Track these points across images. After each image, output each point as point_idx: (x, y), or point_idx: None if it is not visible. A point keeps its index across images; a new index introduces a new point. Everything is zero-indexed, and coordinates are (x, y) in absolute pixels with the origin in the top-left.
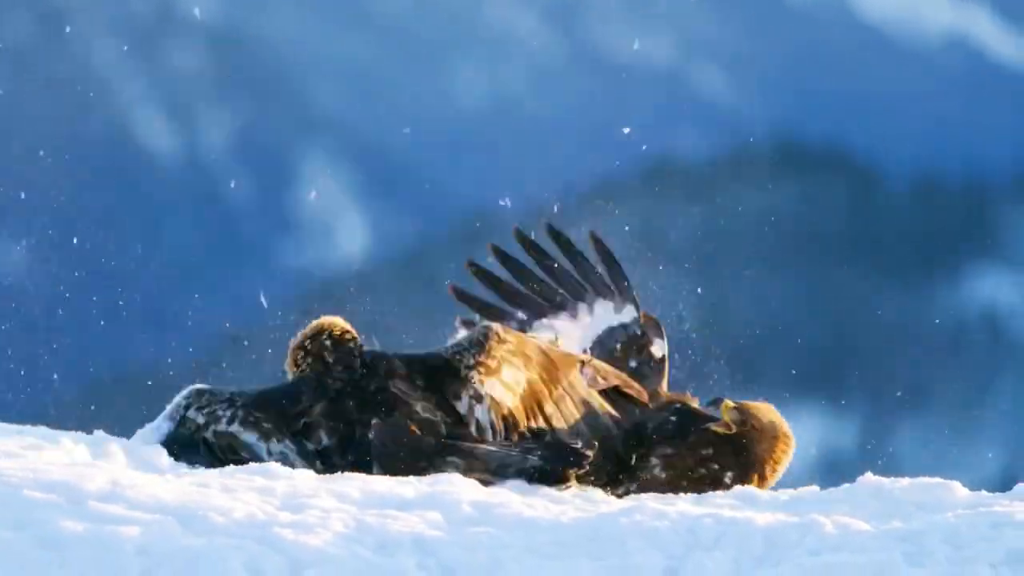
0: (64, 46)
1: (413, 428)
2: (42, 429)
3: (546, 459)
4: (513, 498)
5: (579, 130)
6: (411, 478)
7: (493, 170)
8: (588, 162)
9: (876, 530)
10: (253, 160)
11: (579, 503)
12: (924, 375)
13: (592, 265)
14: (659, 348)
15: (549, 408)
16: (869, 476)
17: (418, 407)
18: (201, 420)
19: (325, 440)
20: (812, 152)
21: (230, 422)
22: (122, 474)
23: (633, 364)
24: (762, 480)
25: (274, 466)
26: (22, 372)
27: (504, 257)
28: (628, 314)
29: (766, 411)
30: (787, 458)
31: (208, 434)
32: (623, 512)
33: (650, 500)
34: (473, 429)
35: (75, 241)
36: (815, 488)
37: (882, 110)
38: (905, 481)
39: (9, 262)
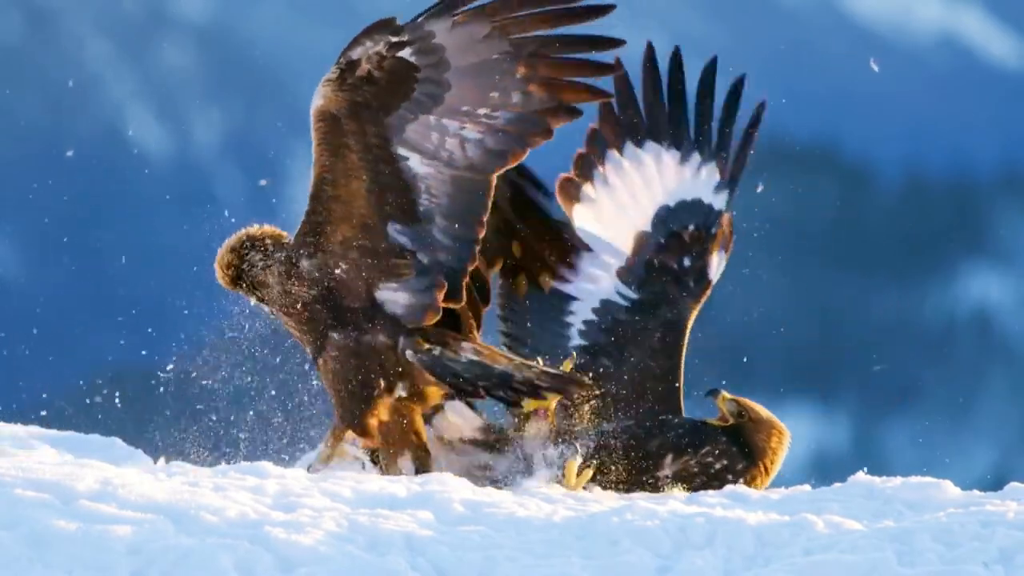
0: (54, 45)
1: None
2: (33, 428)
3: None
4: (505, 497)
5: (567, 131)
6: (402, 477)
7: None
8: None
9: (868, 529)
10: (244, 159)
11: (570, 502)
12: (915, 374)
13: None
14: (717, 266)
15: None
16: (860, 475)
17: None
18: None
19: None
20: (801, 150)
21: None
22: (113, 473)
23: (684, 263)
24: (766, 471)
25: (266, 465)
26: (11, 371)
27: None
28: (713, 184)
29: (759, 407)
30: (783, 450)
31: None
32: (614, 511)
33: (641, 499)
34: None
35: (65, 240)
36: (806, 487)
37: (872, 109)
38: (896, 480)
39: None
